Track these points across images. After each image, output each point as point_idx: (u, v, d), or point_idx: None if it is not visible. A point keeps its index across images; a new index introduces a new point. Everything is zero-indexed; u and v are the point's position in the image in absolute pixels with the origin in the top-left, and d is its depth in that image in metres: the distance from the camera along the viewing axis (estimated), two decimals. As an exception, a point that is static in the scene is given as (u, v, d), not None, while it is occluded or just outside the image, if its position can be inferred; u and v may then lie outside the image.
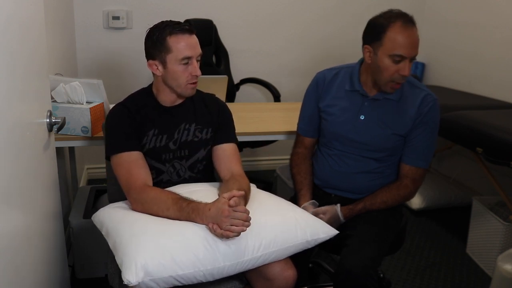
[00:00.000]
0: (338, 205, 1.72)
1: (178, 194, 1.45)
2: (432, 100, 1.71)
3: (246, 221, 1.33)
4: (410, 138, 1.73)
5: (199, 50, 1.57)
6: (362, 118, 1.74)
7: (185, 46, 1.52)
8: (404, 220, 1.87)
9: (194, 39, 1.56)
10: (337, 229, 1.64)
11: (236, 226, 1.31)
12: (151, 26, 1.59)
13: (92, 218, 1.54)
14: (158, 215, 1.43)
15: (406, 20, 1.58)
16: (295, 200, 1.84)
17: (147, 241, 1.31)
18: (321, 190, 1.86)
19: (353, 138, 1.75)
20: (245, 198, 1.47)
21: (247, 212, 1.35)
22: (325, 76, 1.84)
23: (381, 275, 2.22)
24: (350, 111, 1.76)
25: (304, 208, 1.72)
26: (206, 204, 1.38)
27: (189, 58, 1.54)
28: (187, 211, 1.39)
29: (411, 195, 1.78)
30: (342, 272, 1.54)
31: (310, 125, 1.89)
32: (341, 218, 1.71)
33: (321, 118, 1.84)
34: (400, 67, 1.59)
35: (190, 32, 1.54)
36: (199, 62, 1.59)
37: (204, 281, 1.35)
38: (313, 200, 1.79)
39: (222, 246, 1.33)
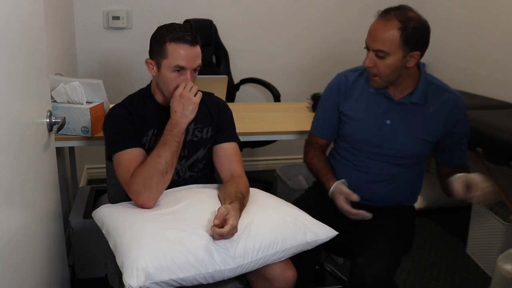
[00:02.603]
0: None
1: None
2: (463, 104, 1.68)
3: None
4: (448, 144, 1.69)
5: (196, 63, 1.53)
6: (389, 123, 1.68)
7: (182, 56, 1.50)
8: (413, 225, 1.83)
9: (194, 51, 1.51)
10: (352, 231, 1.66)
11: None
12: (161, 24, 1.57)
13: (92, 214, 1.54)
14: (161, 172, 1.46)
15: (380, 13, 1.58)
16: (303, 199, 1.82)
17: (147, 243, 1.31)
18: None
19: (379, 144, 1.70)
20: (243, 201, 1.48)
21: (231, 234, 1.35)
22: (347, 78, 1.76)
23: None
24: (375, 116, 1.69)
25: (336, 187, 1.68)
26: (169, 121, 1.50)
27: (182, 68, 1.51)
28: (168, 136, 1.48)
29: None
30: (359, 283, 1.52)
31: (326, 128, 1.82)
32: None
33: (342, 122, 1.78)
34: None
35: (191, 43, 1.50)
36: (196, 72, 1.56)
37: (205, 283, 1.35)
38: (343, 180, 1.71)
39: (222, 249, 1.33)
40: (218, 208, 1.38)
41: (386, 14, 1.55)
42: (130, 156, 1.53)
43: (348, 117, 1.75)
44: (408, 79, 1.66)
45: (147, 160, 1.50)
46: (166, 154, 1.48)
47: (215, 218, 1.34)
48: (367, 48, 1.59)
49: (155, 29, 1.57)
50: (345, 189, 1.65)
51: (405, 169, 1.72)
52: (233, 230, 1.34)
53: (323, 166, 1.79)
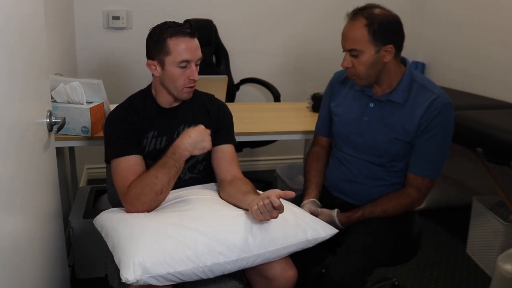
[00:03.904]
0: (336, 210, 1.68)
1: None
2: (442, 105, 1.59)
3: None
4: (416, 146, 1.64)
5: (198, 55, 1.55)
6: (366, 120, 1.70)
7: (185, 49, 1.51)
8: (416, 232, 1.80)
9: (194, 43, 1.55)
10: (335, 236, 1.63)
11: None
12: (154, 25, 1.58)
13: (93, 221, 1.54)
14: (155, 192, 1.46)
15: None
16: (300, 199, 1.81)
17: (145, 239, 1.31)
18: (328, 192, 1.84)
19: (357, 140, 1.72)
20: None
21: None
22: (339, 76, 1.84)
23: (396, 283, 2.22)
24: (355, 112, 1.73)
25: (303, 206, 1.72)
26: (178, 140, 1.48)
27: (187, 61, 1.53)
28: (170, 159, 1.46)
29: (414, 205, 1.70)
30: (327, 281, 1.52)
31: (324, 124, 1.89)
32: (338, 223, 1.66)
33: (331, 118, 1.84)
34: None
35: (191, 35, 1.53)
36: (198, 66, 1.57)
37: (205, 277, 1.35)
38: (313, 199, 1.77)
39: (221, 243, 1.34)
40: (262, 194, 1.40)
41: (354, 14, 1.62)
42: (127, 165, 1.53)
43: (334, 113, 1.82)
44: (390, 76, 1.65)
45: (144, 177, 1.49)
46: (163, 176, 1.47)
47: (269, 196, 1.34)
48: (344, 50, 1.65)
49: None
50: (306, 208, 1.71)
51: (384, 168, 1.70)
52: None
53: (308, 178, 1.85)
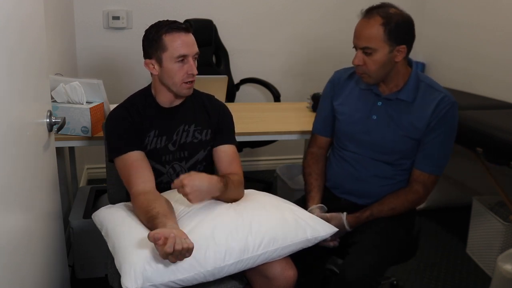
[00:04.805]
0: (345, 213, 1.68)
1: (153, 212, 1.38)
2: (449, 104, 1.63)
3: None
4: (424, 143, 1.66)
5: (195, 49, 1.56)
6: (374, 118, 1.70)
7: (181, 44, 1.52)
8: (416, 230, 1.82)
9: (190, 37, 1.55)
10: (343, 237, 1.64)
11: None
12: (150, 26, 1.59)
13: (92, 216, 1.54)
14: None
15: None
16: (303, 201, 1.81)
17: (145, 246, 1.30)
18: (331, 194, 1.83)
19: (364, 138, 1.72)
20: (226, 180, 1.49)
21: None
22: (342, 75, 1.83)
23: (394, 282, 2.22)
24: (362, 111, 1.73)
25: (311, 211, 1.70)
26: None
27: (184, 56, 1.53)
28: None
29: (420, 201, 1.72)
30: (341, 281, 1.53)
31: (324, 124, 1.87)
32: (347, 227, 1.66)
33: (335, 117, 1.83)
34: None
35: (186, 30, 1.54)
36: (196, 61, 1.58)
37: (205, 281, 1.35)
38: (321, 204, 1.75)
39: (221, 245, 1.33)
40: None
41: (369, 12, 1.60)
42: (129, 161, 1.54)
43: (338, 112, 1.80)
44: (398, 76, 1.67)
45: (138, 212, 1.46)
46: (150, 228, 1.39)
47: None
48: (355, 47, 1.64)
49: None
50: (316, 215, 1.68)
51: (392, 166, 1.72)
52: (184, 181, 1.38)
53: (310, 182, 1.82)
